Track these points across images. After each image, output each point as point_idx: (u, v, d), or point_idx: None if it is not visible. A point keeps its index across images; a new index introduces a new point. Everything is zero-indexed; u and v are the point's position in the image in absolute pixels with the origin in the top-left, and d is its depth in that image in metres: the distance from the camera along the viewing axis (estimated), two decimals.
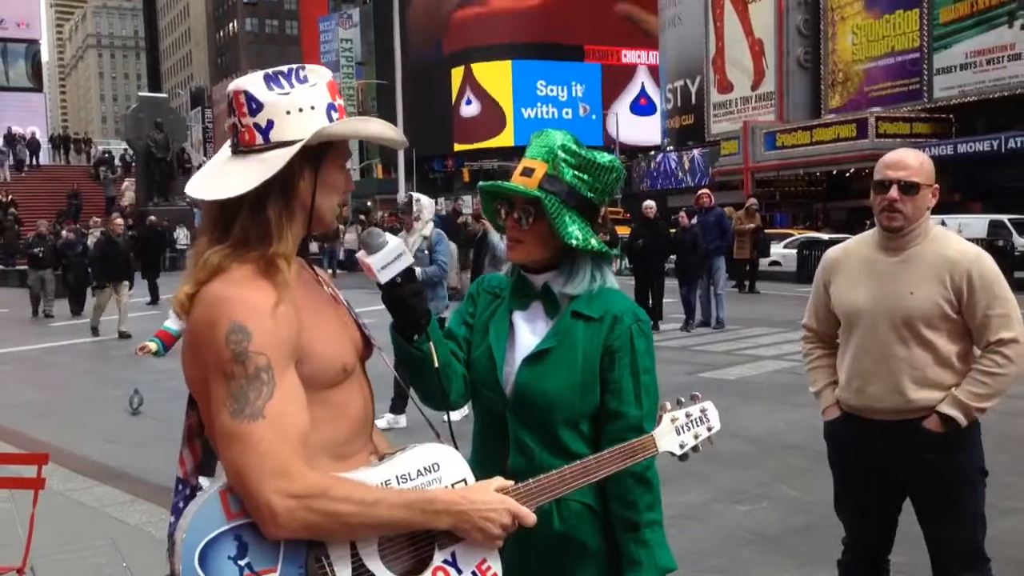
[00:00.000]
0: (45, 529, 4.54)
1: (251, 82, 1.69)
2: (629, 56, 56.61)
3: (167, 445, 7.54)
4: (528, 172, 2.16)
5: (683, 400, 2.08)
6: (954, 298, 3.00)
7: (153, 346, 6.15)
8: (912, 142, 26.90)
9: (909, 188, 3.00)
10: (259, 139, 1.67)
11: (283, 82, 1.69)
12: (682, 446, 2.03)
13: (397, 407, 7.62)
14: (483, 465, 2.22)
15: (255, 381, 1.54)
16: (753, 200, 20.69)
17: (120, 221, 17.72)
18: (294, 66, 1.74)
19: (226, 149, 1.74)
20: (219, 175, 1.69)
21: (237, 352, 1.54)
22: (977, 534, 3.10)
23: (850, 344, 3.16)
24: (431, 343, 2.01)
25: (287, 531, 1.53)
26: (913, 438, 3.03)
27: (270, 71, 1.71)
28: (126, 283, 15.19)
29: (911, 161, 3.05)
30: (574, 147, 2.17)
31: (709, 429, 2.07)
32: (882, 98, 30.86)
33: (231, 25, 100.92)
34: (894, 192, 2.99)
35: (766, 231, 20.92)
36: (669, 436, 2.02)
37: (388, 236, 1.92)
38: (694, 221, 13.99)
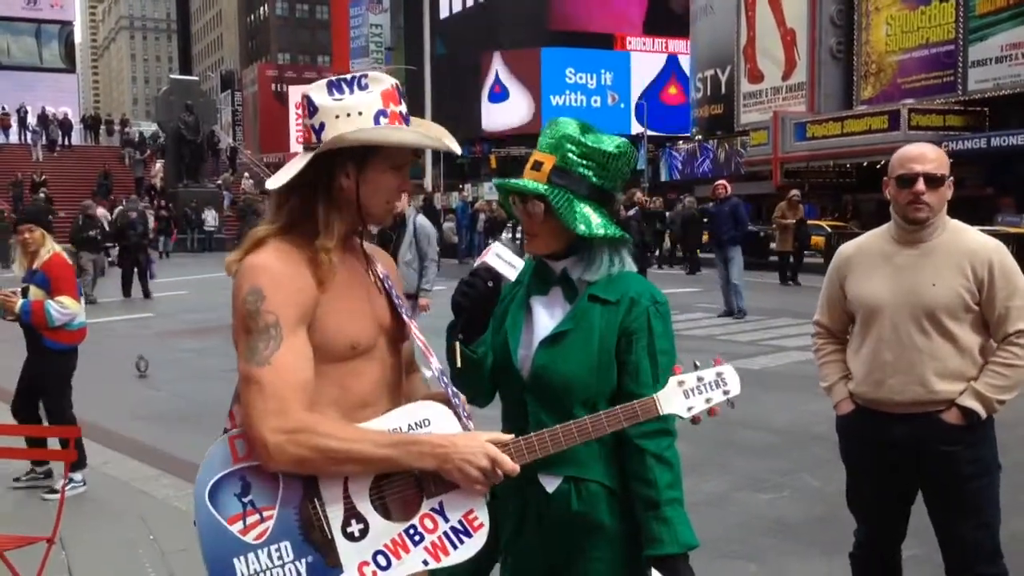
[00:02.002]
0: (75, 501, 4.63)
1: (316, 88, 1.88)
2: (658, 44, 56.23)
3: (192, 422, 7.64)
4: (537, 166, 2.21)
5: (699, 364, 2.06)
6: (975, 288, 2.99)
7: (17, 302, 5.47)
8: (945, 135, 26.55)
9: (933, 180, 3.00)
10: (314, 138, 1.86)
11: (344, 88, 1.87)
12: (690, 409, 2.01)
13: None
14: None
15: (264, 335, 1.75)
16: (795, 191, 20.28)
17: None
18: (359, 74, 1.90)
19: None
20: (286, 168, 1.90)
21: (251, 311, 1.76)
22: (995, 527, 3.09)
23: (869, 338, 3.14)
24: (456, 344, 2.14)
25: (278, 463, 1.71)
26: (933, 431, 3.02)
27: (335, 78, 1.89)
28: None
29: (932, 154, 3.06)
30: (579, 136, 2.20)
31: (726, 393, 2.03)
32: (915, 90, 30.45)
33: (262, 9, 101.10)
34: (920, 185, 2.99)
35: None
36: (676, 398, 2.01)
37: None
38: (631, 213, 14.08)
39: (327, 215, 1.85)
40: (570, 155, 2.18)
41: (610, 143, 2.21)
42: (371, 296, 1.95)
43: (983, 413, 3.00)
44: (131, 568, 4.46)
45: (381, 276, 2.02)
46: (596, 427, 1.98)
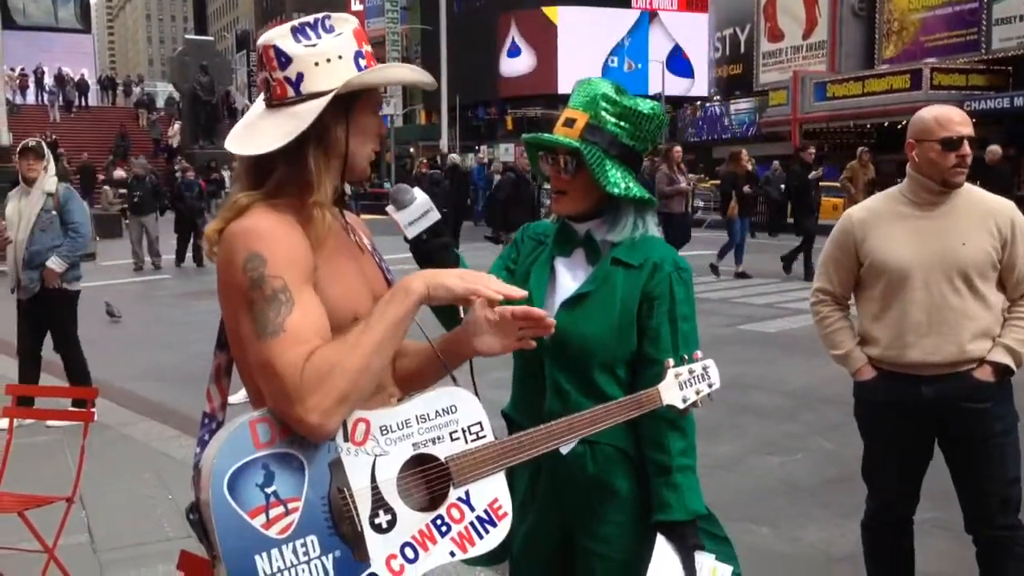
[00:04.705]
0: (94, 461, 4.68)
1: (279, 35, 1.73)
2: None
3: None
4: (570, 123, 2.20)
5: (686, 357, 2.10)
6: (999, 246, 3.03)
7: None
8: (967, 94, 26.18)
9: (970, 142, 3.03)
10: (291, 92, 1.71)
11: (310, 33, 1.73)
12: (684, 400, 2.06)
13: None
14: (522, 409, 2.27)
15: (273, 303, 1.59)
16: (864, 148, 17.75)
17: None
18: (319, 16, 1.76)
19: (260, 103, 1.79)
20: (254, 129, 1.74)
21: (254, 278, 1.59)
22: (1019, 480, 3.12)
23: (896, 301, 3.10)
24: None
25: (329, 429, 1.59)
26: (964, 389, 3.04)
27: (296, 23, 1.74)
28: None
29: (965, 116, 3.08)
30: (615, 96, 2.19)
31: (710, 386, 2.09)
32: (938, 48, 29.99)
33: None
34: (967, 148, 3.01)
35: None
36: (673, 390, 2.04)
37: (416, 192, 1.96)
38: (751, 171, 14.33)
39: (320, 172, 1.71)
40: (604, 113, 2.17)
41: (644, 105, 2.21)
42: (360, 262, 1.85)
43: (1015, 367, 3.05)
44: (150, 527, 4.52)
45: (366, 241, 1.93)
46: (609, 415, 1.94)
